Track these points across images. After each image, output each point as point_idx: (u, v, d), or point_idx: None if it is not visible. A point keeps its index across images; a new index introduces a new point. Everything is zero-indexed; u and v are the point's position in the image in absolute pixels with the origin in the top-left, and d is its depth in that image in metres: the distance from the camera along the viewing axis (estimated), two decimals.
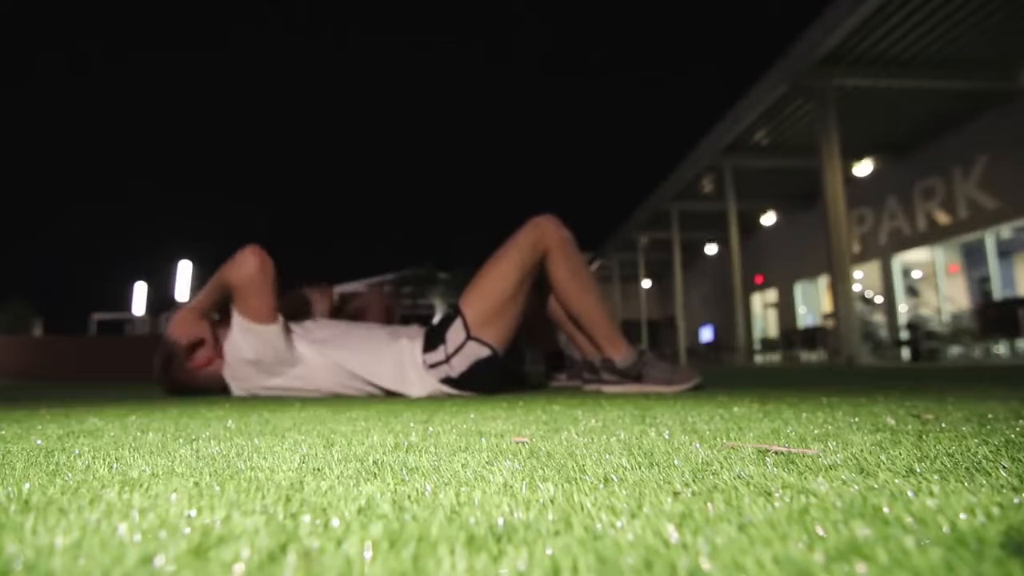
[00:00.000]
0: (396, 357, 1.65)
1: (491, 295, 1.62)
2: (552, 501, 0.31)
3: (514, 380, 1.80)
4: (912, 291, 10.74)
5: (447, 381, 1.62)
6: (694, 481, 0.36)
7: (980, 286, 9.70)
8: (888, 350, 10.12)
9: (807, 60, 7.80)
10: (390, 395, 1.65)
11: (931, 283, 10.32)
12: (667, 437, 0.56)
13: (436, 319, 1.73)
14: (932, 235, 9.79)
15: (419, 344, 1.66)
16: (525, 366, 1.88)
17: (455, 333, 1.62)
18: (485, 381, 1.61)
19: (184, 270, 13.48)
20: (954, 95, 8.57)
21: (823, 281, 12.35)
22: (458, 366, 1.60)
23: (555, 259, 1.65)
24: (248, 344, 1.66)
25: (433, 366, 1.62)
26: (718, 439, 0.54)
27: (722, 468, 0.40)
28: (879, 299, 11.15)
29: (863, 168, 10.35)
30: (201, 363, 1.71)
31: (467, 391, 1.61)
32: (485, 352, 1.60)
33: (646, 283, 18.67)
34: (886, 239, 10.70)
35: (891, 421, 0.65)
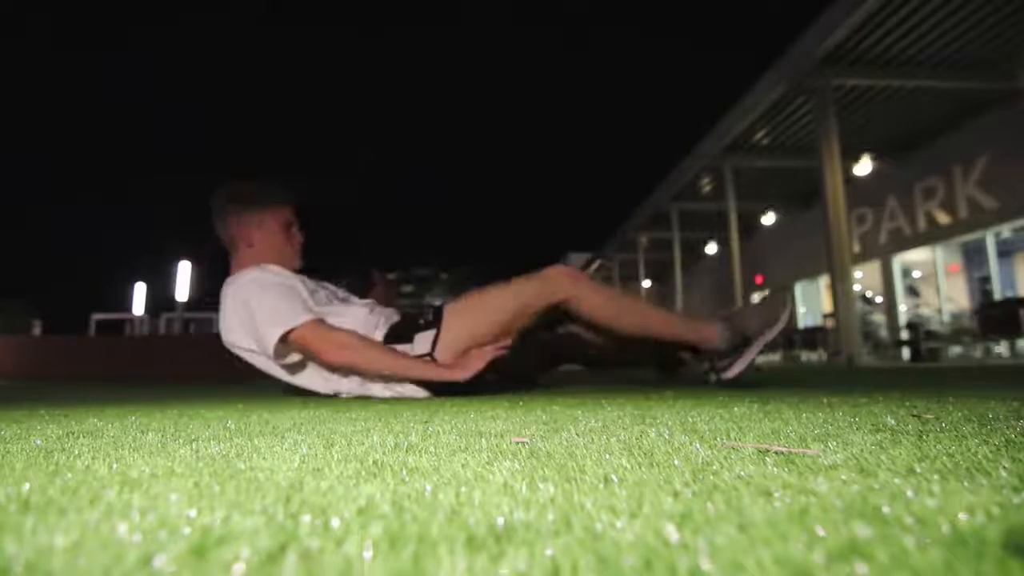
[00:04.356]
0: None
1: (471, 330, 1.55)
2: (552, 501, 0.31)
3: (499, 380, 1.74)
4: (912, 291, 10.74)
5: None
6: (694, 481, 0.36)
7: (980, 286, 9.71)
8: (888, 350, 10.12)
9: (807, 60, 7.80)
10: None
11: (931, 283, 10.32)
12: (667, 437, 0.56)
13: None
14: (932, 235, 9.79)
15: (382, 330, 1.60)
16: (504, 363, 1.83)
17: (422, 342, 1.56)
18: (442, 390, 1.55)
19: (184, 270, 13.46)
20: (954, 95, 8.58)
21: (823, 281, 12.35)
22: None
23: (584, 299, 1.55)
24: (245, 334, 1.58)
25: None
26: (718, 439, 0.54)
27: (722, 468, 0.40)
28: (879, 299, 11.16)
29: (863, 168, 10.35)
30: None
31: (424, 388, 1.56)
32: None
33: (646, 283, 18.67)
34: (886, 239, 10.70)
35: (891, 421, 0.65)
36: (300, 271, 1.72)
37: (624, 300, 1.60)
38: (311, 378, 1.63)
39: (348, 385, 1.61)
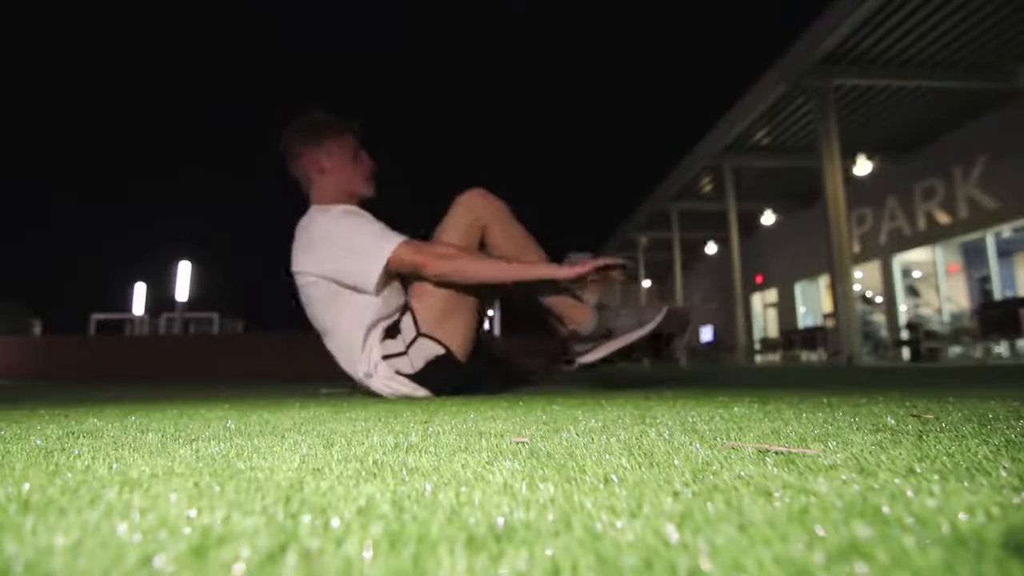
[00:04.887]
0: (363, 330, 1.58)
1: (438, 294, 1.54)
2: (552, 501, 0.31)
3: (498, 379, 1.72)
4: (912, 291, 10.74)
5: (401, 373, 1.55)
6: (694, 481, 0.36)
7: (980, 286, 9.71)
8: (888, 350, 10.12)
9: (807, 60, 7.81)
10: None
11: (931, 283, 10.33)
12: (667, 437, 0.56)
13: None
14: (932, 235, 9.79)
15: (386, 322, 1.60)
16: (501, 362, 1.78)
17: (407, 326, 1.56)
18: (444, 382, 1.55)
19: (184, 270, 13.46)
20: (954, 95, 8.58)
21: (823, 281, 12.36)
22: (415, 362, 1.54)
23: (493, 234, 1.56)
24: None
25: (387, 357, 1.56)
26: (718, 439, 0.54)
27: (722, 468, 0.40)
28: (879, 299, 11.16)
29: (863, 168, 10.35)
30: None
31: (425, 387, 1.55)
32: (438, 350, 1.53)
33: (646, 283, 18.68)
34: (886, 239, 10.70)
35: (891, 421, 0.65)
36: (367, 207, 1.71)
37: (527, 245, 1.59)
38: (342, 329, 1.61)
39: (361, 371, 1.61)
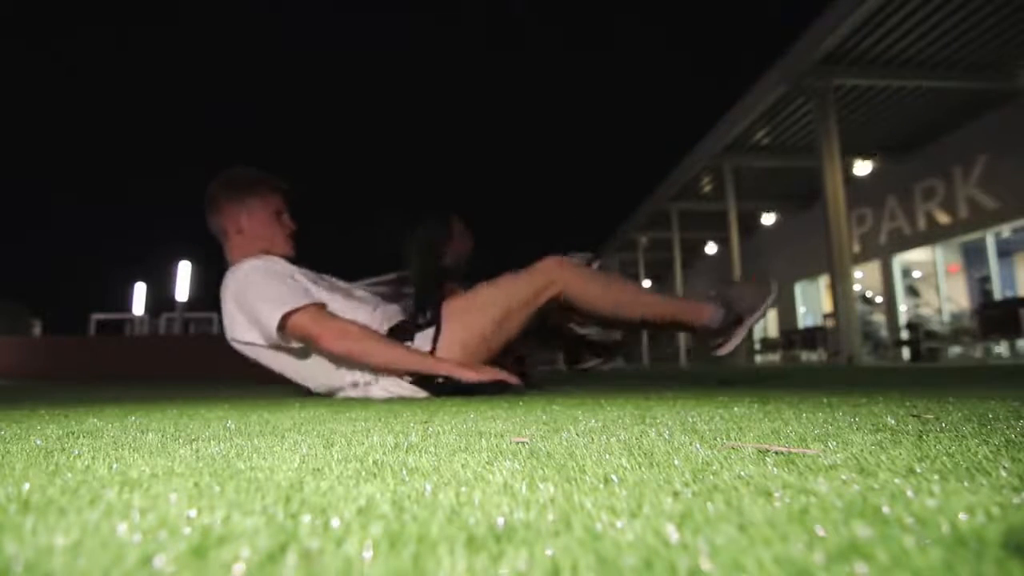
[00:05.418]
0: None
1: (471, 328, 1.54)
2: (552, 501, 0.31)
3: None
4: (912, 291, 10.74)
5: (404, 377, 1.55)
6: (694, 481, 0.36)
7: (980, 286, 9.71)
8: (888, 350, 10.12)
9: (807, 60, 7.81)
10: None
11: (931, 283, 10.33)
12: (667, 437, 0.56)
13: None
14: (932, 235, 9.79)
15: (384, 329, 1.59)
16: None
17: (423, 341, 1.56)
18: (442, 386, 1.55)
19: (184, 270, 13.46)
20: (954, 95, 8.58)
21: (823, 281, 12.36)
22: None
23: (578, 290, 1.54)
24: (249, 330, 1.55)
25: None
26: (718, 439, 0.54)
27: (722, 468, 0.40)
28: (879, 299, 11.16)
29: (863, 168, 10.35)
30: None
31: (425, 389, 1.55)
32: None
33: (646, 283, 18.68)
34: (886, 239, 10.70)
35: (891, 421, 0.65)
36: (294, 261, 1.70)
37: (616, 286, 1.58)
38: (313, 374, 1.61)
39: (347, 386, 1.60)
